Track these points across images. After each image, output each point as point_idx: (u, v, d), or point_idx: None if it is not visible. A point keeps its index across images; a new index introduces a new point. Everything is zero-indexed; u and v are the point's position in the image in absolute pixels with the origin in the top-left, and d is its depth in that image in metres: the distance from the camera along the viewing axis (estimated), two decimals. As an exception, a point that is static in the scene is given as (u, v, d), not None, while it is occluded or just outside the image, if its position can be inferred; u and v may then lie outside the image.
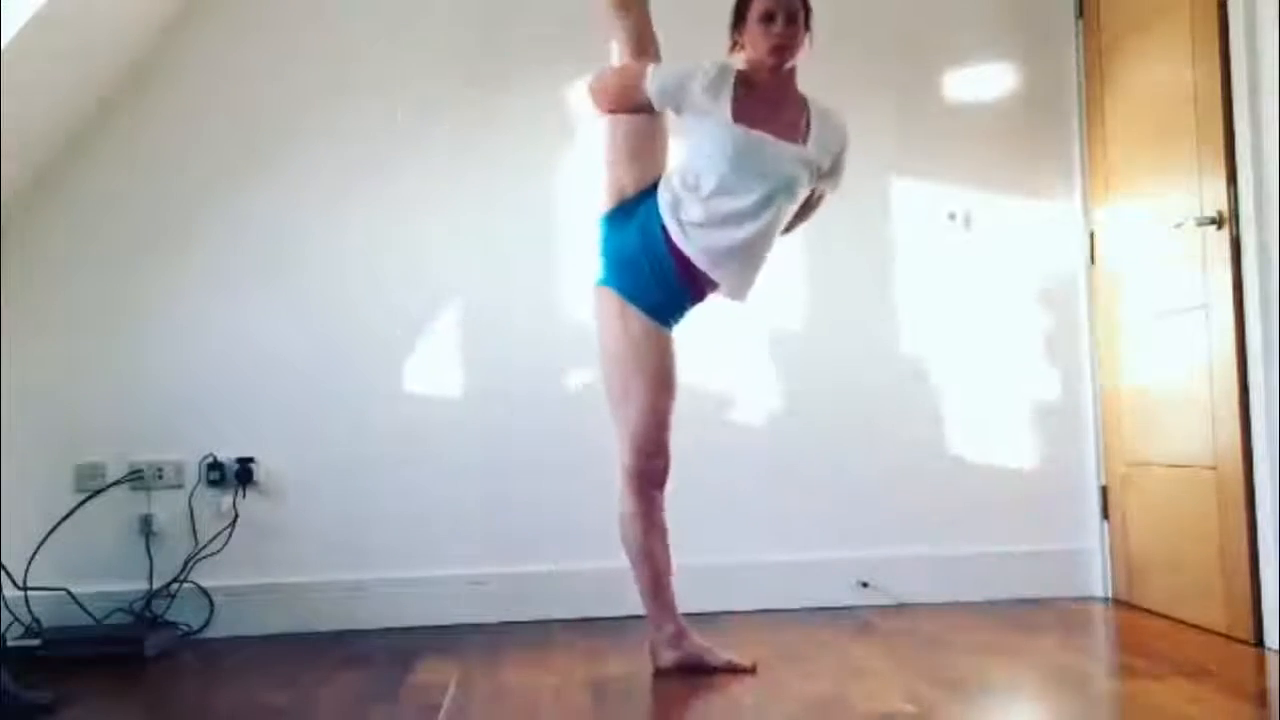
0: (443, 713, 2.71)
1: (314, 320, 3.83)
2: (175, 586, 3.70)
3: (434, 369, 3.86)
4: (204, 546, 3.73)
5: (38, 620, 3.54)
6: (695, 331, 3.18)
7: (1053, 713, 2.76)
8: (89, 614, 3.62)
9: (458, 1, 3.94)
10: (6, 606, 3.46)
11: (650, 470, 3.00)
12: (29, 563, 3.56)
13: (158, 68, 3.82)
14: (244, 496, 3.77)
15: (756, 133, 2.87)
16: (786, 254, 3.91)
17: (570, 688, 2.91)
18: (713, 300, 3.03)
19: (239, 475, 3.76)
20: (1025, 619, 3.58)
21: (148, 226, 3.81)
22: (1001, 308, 4.00)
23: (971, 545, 3.91)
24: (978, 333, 3.99)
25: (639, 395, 2.95)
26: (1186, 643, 3.22)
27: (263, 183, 3.84)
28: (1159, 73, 3.54)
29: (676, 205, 2.90)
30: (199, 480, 3.77)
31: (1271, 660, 2.98)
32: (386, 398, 3.83)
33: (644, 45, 3.03)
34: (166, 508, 3.76)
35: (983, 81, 4.05)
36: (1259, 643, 3.10)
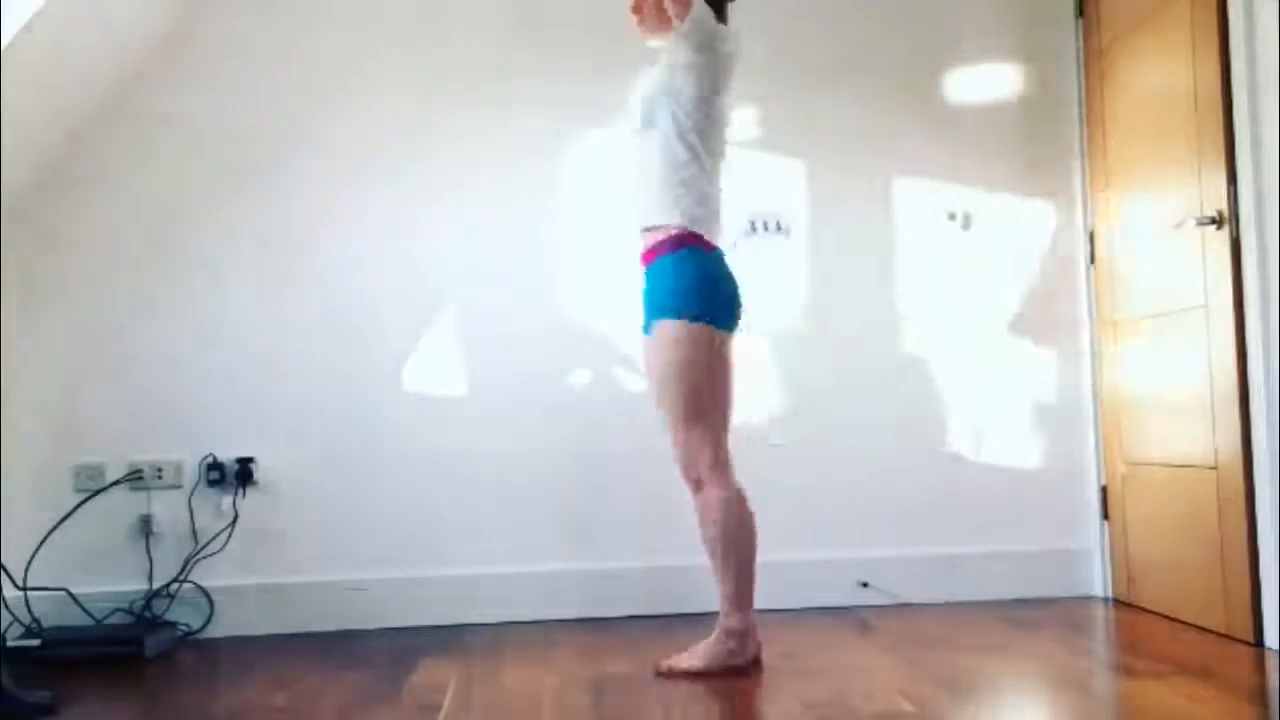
0: (443, 713, 2.71)
1: (314, 320, 3.83)
2: (175, 586, 3.70)
3: (434, 369, 3.86)
4: (204, 546, 3.73)
5: (38, 620, 3.55)
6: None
7: (1052, 712, 2.75)
8: (89, 614, 3.62)
9: (458, 8, 3.94)
10: (6, 606, 3.46)
11: None
12: (29, 563, 3.57)
13: (160, 69, 3.83)
14: (244, 496, 3.77)
15: None
16: (787, 254, 3.94)
17: (570, 688, 2.91)
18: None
19: (239, 475, 3.76)
20: (1025, 619, 3.58)
21: (148, 227, 3.81)
22: (1001, 307, 4.00)
23: (971, 545, 3.91)
24: (977, 332, 3.99)
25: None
26: (1186, 643, 3.22)
27: (263, 184, 3.84)
28: (1159, 72, 3.54)
29: None
30: (199, 480, 3.77)
31: (1271, 660, 2.98)
32: (387, 398, 3.84)
33: None
34: (166, 508, 3.76)
35: (983, 81, 4.05)
36: (1259, 643, 3.11)
